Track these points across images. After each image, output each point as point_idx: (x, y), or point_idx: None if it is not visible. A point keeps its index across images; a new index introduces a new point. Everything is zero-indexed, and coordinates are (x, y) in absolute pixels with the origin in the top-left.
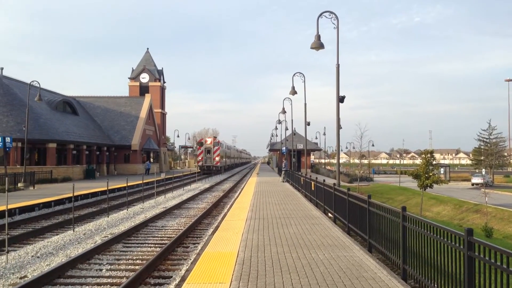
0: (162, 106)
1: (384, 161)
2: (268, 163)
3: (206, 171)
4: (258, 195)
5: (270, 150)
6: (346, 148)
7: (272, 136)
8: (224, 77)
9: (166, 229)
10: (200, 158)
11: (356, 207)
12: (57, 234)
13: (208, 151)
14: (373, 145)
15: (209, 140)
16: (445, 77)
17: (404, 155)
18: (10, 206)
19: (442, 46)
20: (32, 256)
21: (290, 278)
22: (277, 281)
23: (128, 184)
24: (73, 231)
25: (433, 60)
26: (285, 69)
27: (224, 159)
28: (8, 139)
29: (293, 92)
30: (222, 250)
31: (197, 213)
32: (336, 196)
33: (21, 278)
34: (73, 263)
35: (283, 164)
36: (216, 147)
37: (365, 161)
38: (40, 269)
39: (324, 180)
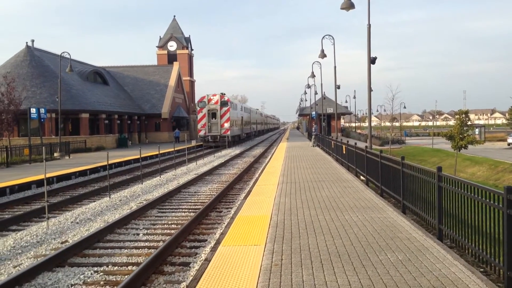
0: (191, 73)
1: (416, 123)
2: (298, 128)
3: (212, 143)
4: (289, 160)
5: (299, 115)
6: (377, 111)
7: (302, 101)
8: (252, 43)
9: (199, 195)
10: (201, 125)
11: (389, 169)
12: (94, 201)
13: (213, 114)
14: (404, 107)
15: (214, 98)
16: (480, 36)
17: (437, 116)
18: (48, 175)
19: (477, 4)
20: (72, 222)
21: (324, 240)
22: (311, 243)
23: (160, 152)
24: (109, 197)
25: (468, 18)
26: (313, 33)
27: (238, 127)
28: (42, 110)
29: (323, 55)
30: (255, 213)
31: (228, 179)
32: (368, 159)
33: (62, 243)
34: (111, 228)
35: (313, 128)
36: (224, 108)
37: (397, 124)
38: (80, 234)
39: (355, 144)
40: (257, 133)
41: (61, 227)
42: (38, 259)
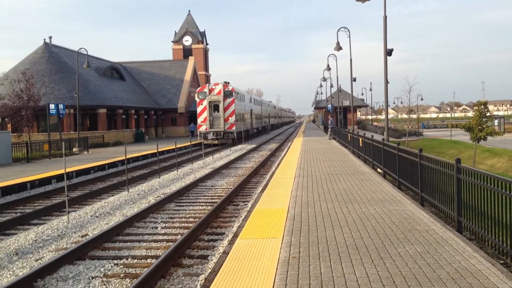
0: (206, 68)
1: (434, 115)
2: (314, 121)
3: (214, 141)
4: (305, 153)
5: (315, 108)
6: (394, 103)
7: (317, 94)
8: (267, 37)
9: (216, 188)
10: (201, 120)
11: (407, 161)
12: (112, 195)
13: (216, 106)
14: (422, 99)
15: (216, 88)
16: (497, 26)
17: (455, 108)
18: (67, 170)
19: None
20: (91, 215)
21: (342, 232)
22: (329, 235)
23: (177, 146)
24: (128, 192)
25: (485, 8)
26: (328, 26)
27: (246, 121)
28: (61, 106)
29: (338, 48)
30: (272, 207)
31: (245, 172)
32: (385, 151)
33: (82, 236)
34: (130, 222)
35: (329, 121)
36: (229, 100)
37: (414, 116)
38: (100, 227)
39: (372, 136)
40: (271, 127)
41: (81, 221)
42: (59, 252)
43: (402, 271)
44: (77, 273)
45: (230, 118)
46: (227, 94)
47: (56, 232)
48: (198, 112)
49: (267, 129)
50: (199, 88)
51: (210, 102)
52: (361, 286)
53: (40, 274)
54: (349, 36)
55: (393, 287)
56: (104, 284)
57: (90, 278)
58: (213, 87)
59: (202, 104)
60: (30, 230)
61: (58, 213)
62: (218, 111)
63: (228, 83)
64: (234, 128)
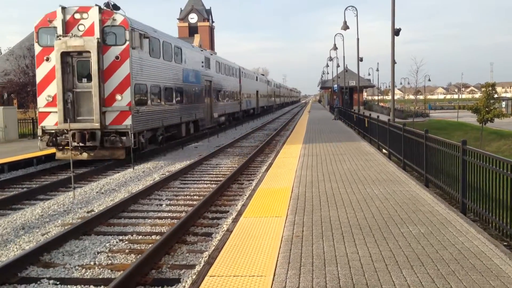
0: (212, 46)
1: (441, 96)
2: (320, 101)
3: (83, 151)
4: (310, 133)
5: (321, 88)
6: (401, 84)
7: (323, 74)
8: (273, 15)
9: (220, 167)
10: (46, 100)
11: (412, 142)
12: (118, 172)
13: (82, 65)
14: (429, 80)
15: (85, 21)
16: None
17: (463, 89)
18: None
19: None
20: (97, 192)
21: (346, 212)
22: (332, 215)
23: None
24: (133, 169)
25: None
26: (335, 4)
27: (197, 104)
28: None
29: (345, 27)
30: (277, 186)
31: (250, 151)
32: (390, 132)
33: (88, 212)
34: (135, 199)
35: (335, 101)
36: (120, 47)
37: (421, 97)
38: (105, 204)
39: (377, 117)
40: (268, 108)
41: (87, 197)
42: (65, 227)
43: (405, 251)
44: (83, 248)
45: (120, 97)
46: (112, 32)
47: (62, 208)
48: (38, 80)
49: (273, 108)
50: (41, 19)
51: (64, 54)
52: (363, 265)
53: (46, 249)
54: (357, 15)
55: (395, 266)
56: (110, 259)
57: (96, 253)
58: (77, 16)
59: (46, 61)
60: (36, 206)
61: (64, 189)
62: (87, 79)
63: (117, 8)
64: (129, 121)
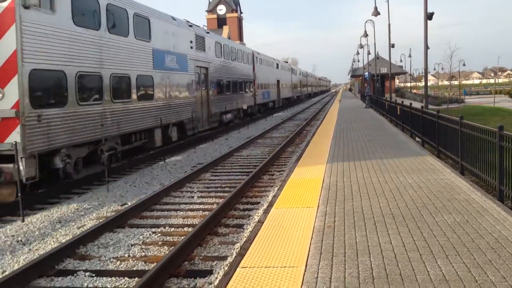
0: (241, 37)
1: (477, 81)
2: (350, 89)
3: None
4: (341, 122)
5: (352, 76)
6: (434, 69)
7: (354, 61)
8: (301, 4)
9: (251, 158)
10: None
11: (447, 129)
12: (150, 165)
13: None
14: (464, 65)
15: None
16: None
17: (499, 73)
18: None
19: None
20: (130, 185)
21: (378, 202)
22: (365, 205)
23: None
24: (164, 162)
25: None
26: None
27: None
28: None
29: (376, 13)
30: (307, 176)
31: (280, 142)
32: (424, 119)
33: (122, 205)
34: (167, 191)
35: (366, 89)
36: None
37: (455, 82)
38: (138, 197)
39: (410, 104)
40: (294, 100)
41: (120, 191)
42: (100, 220)
43: (440, 240)
44: (117, 241)
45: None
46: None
47: (97, 201)
48: None
49: (300, 99)
50: None
51: None
52: (397, 256)
53: (82, 241)
54: (387, 0)
55: (430, 256)
56: (143, 251)
57: (130, 246)
58: None
59: None
60: (72, 199)
61: (98, 183)
62: None
63: None
64: (16, 135)
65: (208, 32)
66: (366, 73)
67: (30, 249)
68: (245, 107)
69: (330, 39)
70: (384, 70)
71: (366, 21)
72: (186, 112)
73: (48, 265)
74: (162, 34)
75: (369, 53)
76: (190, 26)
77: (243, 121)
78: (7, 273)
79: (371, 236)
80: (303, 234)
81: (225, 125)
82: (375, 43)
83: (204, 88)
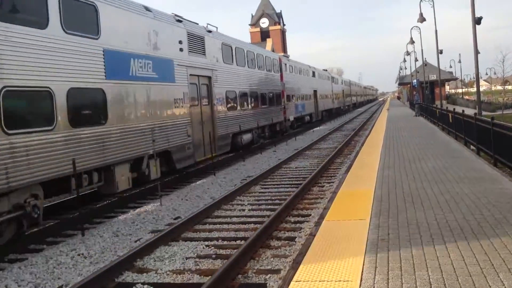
0: (284, 49)
1: None
2: (399, 98)
3: None
4: (391, 131)
5: (399, 84)
6: (486, 74)
7: (401, 69)
8: (342, 14)
9: (299, 170)
10: None
11: (504, 137)
12: (200, 179)
13: None
14: None
15: None
16: None
17: None
18: None
19: None
20: (182, 199)
21: (433, 213)
22: (419, 217)
23: None
24: (214, 175)
25: None
26: None
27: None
28: None
29: (422, 19)
30: (358, 188)
31: (328, 153)
32: (478, 127)
33: (175, 218)
34: (218, 205)
35: (415, 97)
36: None
37: (509, 87)
38: (190, 210)
39: (462, 111)
40: (353, 105)
41: (173, 204)
42: (155, 234)
43: (501, 253)
44: (172, 254)
45: None
46: None
47: (151, 215)
48: None
49: (345, 109)
50: None
51: None
52: (456, 269)
53: (139, 254)
54: (433, 6)
55: (491, 270)
56: (197, 264)
57: (184, 259)
58: None
59: None
60: (128, 214)
61: (151, 197)
62: None
63: None
64: None
65: (210, 31)
66: (414, 81)
67: (91, 262)
68: (269, 123)
69: (375, 46)
70: (433, 77)
71: (412, 28)
72: (174, 137)
73: (108, 278)
74: (124, 29)
75: (416, 60)
76: (179, 21)
77: (289, 133)
78: (71, 285)
79: (427, 249)
80: (356, 247)
81: (241, 149)
82: (422, 50)
83: (206, 103)
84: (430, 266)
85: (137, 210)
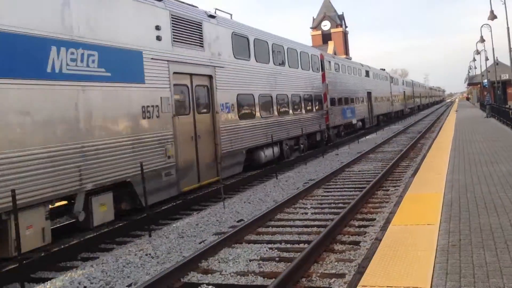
0: (346, 51)
1: None
2: (468, 98)
3: None
4: (460, 133)
5: (468, 85)
6: None
7: (470, 69)
8: (409, 11)
9: (363, 173)
10: None
11: None
12: (262, 182)
13: None
14: None
15: None
16: None
17: None
18: None
19: None
20: (244, 202)
21: (508, 219)
22: (493, 222)
23: None
24: (276, 178)
25: None
26: None
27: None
28: None
29: (492, 16)
30: (425, 191)
31: (393, 156)
32: None
33: (238, 221)
34: (280, 208)
35: (486, 98)
36: None
37: None
38: (253, 213)
39: None
40: (418, 107)
41: (236, 207)
42: (219, 236)
43: None
44: (236, 256)
45: None
46: None
47: (215, 217)
48: None
49: (413, 110)
50: None
51: None
52: None
53: (203, 256)
54: (504, 2)
55: None
56: (261, 267)
57: (248, 261)
58: None
59: None
60: (192, 216)
61: (215, 200)
62: None
63: None
64: None
65: (212, 17)
66: (485, 81)
67: (158, 262)
68: (306, 132)
69: (442, 46)
70: (505, 76)
71: (481, 26)
72: (144, 159)
73: (174, 277)
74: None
75: (487, 59)
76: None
77: (351, 136)
78: (139, 283)
79: (502, 256)
80: (425, 252)
81: (261, 168)
82: (493, 48)
83: (204, 111)
84: (505, 273)
85: (201, 212)
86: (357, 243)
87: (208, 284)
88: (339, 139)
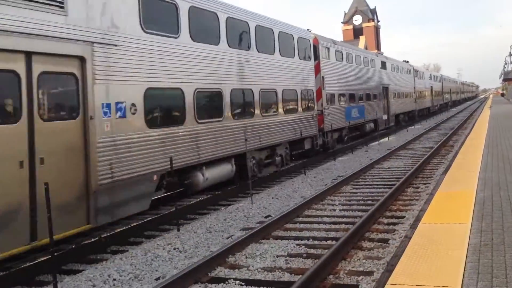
0: (378, 46)
1: None
2: (502, 94)
3: None
4: (493, 130)
5: (504, 80)
6: None
7: (506, 64)
8: (440, 7)
9: (392, 170)
10: None
11: None
12: (290, 178)
13: None
14: None
15: None
16: None
17: None
18: None
19: None
20: (272, 197)
21: None
22: None
23: None
24: (305, 174)
25: None
26: None
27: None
28: None
29: None
30: (457, 189)
31: (424, 153)
32: None
33: (265, 217)
34: (308, 204)
35: None
36: None
37: None
38: (281, 209)
39: None
40: (452, 103)
41: (263, 203)
42: (246, 231)
43: None
44: (263, 251)
45: None
46: None
47: (242, 213)
48: None
49: (434, 110)
50: None
51: None
52: None
53: (231, 251)
54: None
55: None
56: (288, 263)
57: (275, 257)
58: None
59: None
60: (220, 211)
61: (242, 195)
62: None
63: None
64: None
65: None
66: None
67: (185, 256)
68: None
69: (475, 40)
70: None
71: None
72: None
73: (202, 271)
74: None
75: None
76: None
77: (382, 133)
78: (167, 277)
79: None
80: (456, 251)
81: (204, 191)
82: None
83: (64, 116)
84: None
85: (229, 207)
86: (385, 240)
87: (235, 279)
88: (341, 145)
